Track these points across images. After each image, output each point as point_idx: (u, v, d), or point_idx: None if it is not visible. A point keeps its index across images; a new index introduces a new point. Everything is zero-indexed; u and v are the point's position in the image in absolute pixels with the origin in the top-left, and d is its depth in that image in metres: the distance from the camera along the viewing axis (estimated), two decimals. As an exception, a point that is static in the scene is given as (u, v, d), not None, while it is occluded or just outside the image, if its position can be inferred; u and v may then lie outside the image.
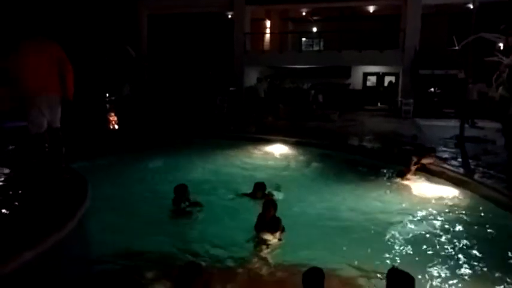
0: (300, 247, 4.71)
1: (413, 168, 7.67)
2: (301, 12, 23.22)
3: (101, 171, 7.31)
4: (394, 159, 8.73)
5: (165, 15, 22.18)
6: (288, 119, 15.77)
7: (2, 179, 5.55)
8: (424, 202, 6.38)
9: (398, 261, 4.38)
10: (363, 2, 20.61)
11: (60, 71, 5.36)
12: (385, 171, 8.08)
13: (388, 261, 4.25)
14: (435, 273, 4.16)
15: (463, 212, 5.90)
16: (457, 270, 4.25)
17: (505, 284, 3.94)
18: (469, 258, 4.50)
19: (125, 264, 4.26)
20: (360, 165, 8.60)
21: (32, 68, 5.15)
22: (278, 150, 10.33)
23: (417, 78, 18.30)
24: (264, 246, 4.75)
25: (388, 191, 6.96)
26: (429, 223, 5.52)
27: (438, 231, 5.26)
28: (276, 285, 3.90)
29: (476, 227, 5.36)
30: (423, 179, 7.58)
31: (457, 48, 14.42)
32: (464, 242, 4.93)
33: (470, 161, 8.67)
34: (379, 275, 3.95)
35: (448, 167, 7.88)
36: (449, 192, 6.79)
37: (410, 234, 5.14)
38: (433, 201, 6.43)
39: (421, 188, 7.12)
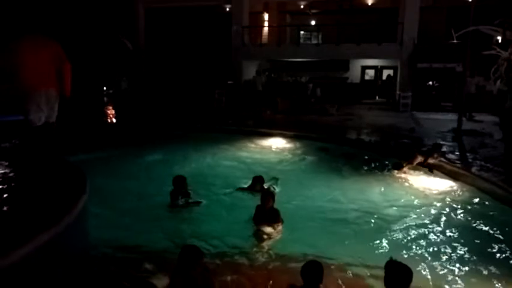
0: (299, 239, 4.74)
1: (415, 163, 7.69)
2: (300, 5, 23.09)
3: (99, 164, 7.29)
4: (392, 152, 8.81)
5: (163, 9, 22.06)
6: (286, 113, 15.76)
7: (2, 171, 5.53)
8: (421, 195, 6.43)
9: (396, 253, 4.41)
10: (361, -5, 20.58)
11: (58, 68, 5.48)
12: (382, 164, 8.11)
13: (386, 253, 4.28)
14: (432, 265, 4.20)
15: (460, 204, 5.94)
16: (453, 262, 4.29)
17: (501, 276, 3.98)
18: (466, 250, 4.54)
19: (121, 258, 4.26)
20: (357, 158, 8.63)
21: (31, 65, 5.26)
22: (276, 143, 10.34)
23: (415, 72, 18.32)
24: (263, 238, 4.77)
25: (385, 184, 6.99)
26: (426, 215, 5.55)
27: (435, 224, 5.30)
28: (275, 277, 3.92)
29: (473, 220, 5.41)
30: (421, 172, 7.61)
31: (455, 41, 14.41)
32: (461, 234, 4.97)
33: (467, 154, 8.72)
34: (377, 267, 3.98)
35: (445, 160, 7.91)
36: (446, 185, 6.85)
37: (408, 227, 5.18)
38: (431, 193, 6.47)
39: (418, 180, 7.16)
